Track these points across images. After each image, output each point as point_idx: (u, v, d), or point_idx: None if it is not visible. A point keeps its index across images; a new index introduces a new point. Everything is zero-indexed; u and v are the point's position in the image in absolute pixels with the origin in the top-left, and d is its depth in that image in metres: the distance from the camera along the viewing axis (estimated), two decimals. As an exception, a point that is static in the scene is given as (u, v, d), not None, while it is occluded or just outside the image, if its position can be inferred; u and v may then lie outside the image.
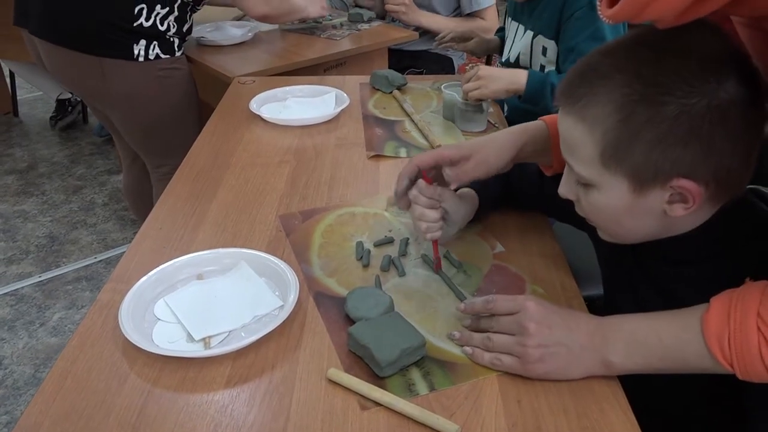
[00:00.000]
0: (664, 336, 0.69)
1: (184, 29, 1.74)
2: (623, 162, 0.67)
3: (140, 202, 2.10)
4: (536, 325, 0.72)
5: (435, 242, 0.92)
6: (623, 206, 0.71)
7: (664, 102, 0.63)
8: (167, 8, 1.65)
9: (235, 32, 2.12)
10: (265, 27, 2.20)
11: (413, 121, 1.45)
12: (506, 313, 0.76)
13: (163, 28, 1.66)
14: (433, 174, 0.92)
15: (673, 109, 0.63)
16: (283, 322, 0.80)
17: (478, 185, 1.00)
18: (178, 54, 1.74)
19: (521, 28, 1.59)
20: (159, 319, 0.83)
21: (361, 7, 2.43)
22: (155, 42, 1.66)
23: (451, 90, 1.46)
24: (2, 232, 2.59)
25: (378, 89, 1.65)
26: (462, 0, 2.35)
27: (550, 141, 0.91)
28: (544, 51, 1.51)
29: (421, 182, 0.90)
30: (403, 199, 0.93)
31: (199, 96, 1.88)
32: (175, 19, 1.69)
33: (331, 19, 2.30)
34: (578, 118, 0.69)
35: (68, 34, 1.61)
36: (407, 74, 2.06)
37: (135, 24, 1.61)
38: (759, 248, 0.72)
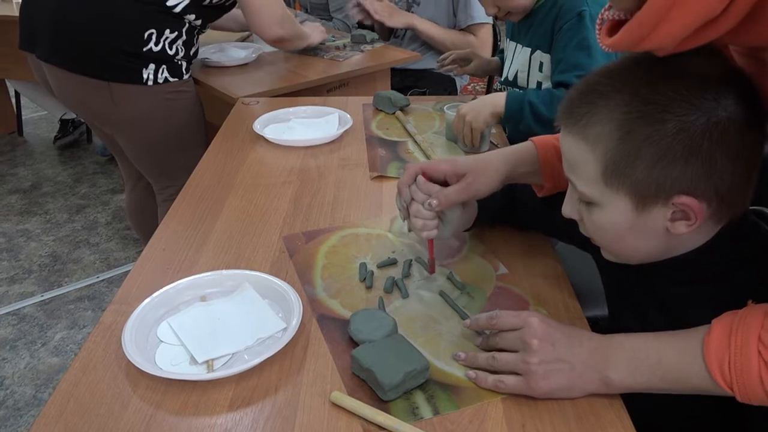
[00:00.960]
0: (664, 356, 0.69)
1: (191, 52, 1.76)
2: (625, 179, 0.68)
3: (144, 221, 2.10)
4: (539, 342, 0.73)
5: (431, 242, 0.93)
6: (626, 224, 0.71)
7: (663, 119, 0.64)
8: (176, 32, 1.66)
9: (239, 53, 2.14)
10: (269, 48, 2.21)
11: (416, 141, 1.46)
12: (510, 329, 0.76)
13: (171, 53, 1.67)
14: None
15: (672, 126, 0.63)
16: (287, 344, 0.80)
17: None
18: (185, 77, 1.75)
19: (519, 46, 1.60)
20: (162, 342, 0.83)
21: (363, 28, 2.45)
22: (164, 66, 1.67)
23: (453, 111, 1.46)
24: (5, 251, 2.59)
25: (381, 110, 1.66)
26: (459, 15, 2.37)
27: (539, 162, 0.92)
28: (541, 66, 1.53)
29: (420, 179, 0.92)
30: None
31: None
32: (183, 43, 1.70)
33: (334, 41, 2.32)
34: (580, 137, 0.70)
35: (77, 60, 1.62)
36: (410, 94, 2.08)
37: (144, 49, 1.61)
38: (762, 268, 0.72)
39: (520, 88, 1.58)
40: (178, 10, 1.63)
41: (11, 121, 3.75)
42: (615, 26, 0.62)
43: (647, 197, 0.68)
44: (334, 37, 2.40)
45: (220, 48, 2.20)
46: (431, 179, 0.93)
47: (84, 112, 1.82)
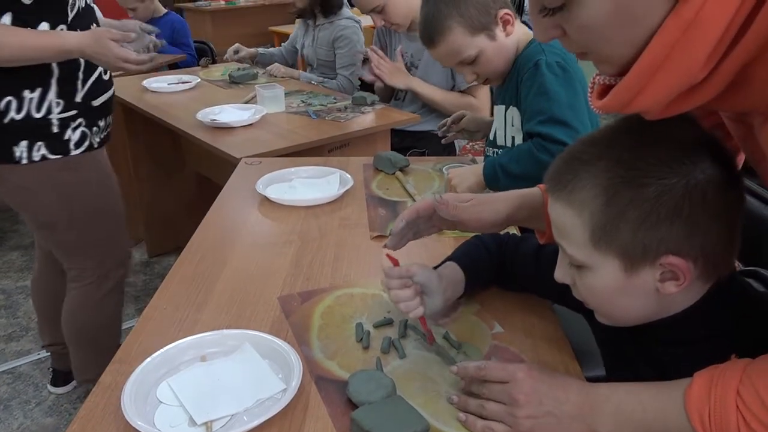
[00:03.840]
0: (649, 409, 0.71)
1: (91, 104, 1.49)
2: (612, 242, 0.70)
3: (49, 301, 1.87)
4: (526, 397, 0.75)
5: (422, 318, 0.93)
6: (617, 286, 0.73)
7: (644, 183, 0.67)
8: (39, 89, 1.39)
9: (242, 114, 2.20)
10: (273, 110, 2.27)
11: (415, 201, 1.48)
12: (498, 381, 0.78)
13: (39, 115, 1.41)
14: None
15: (654, 189, 0.67)
16: (286, 405, 0.80)
17: (467, 261, 1.02)
18: (75, 152, 1.47)
19: (496, 106, 1.65)
20: (161, 402, 0.83)
21: (365, 90, 2.52)
22: (40, 142, 1.43)
23: (452, 171, 1.49)
24: (3, 308, 2.58)
25: (381, 170, 1.69)
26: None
27: (543, 207, 0.95)
28: (513, 121, 1.57)
29: (385, 267, 0.95)
30: (395, 239, 0.99)
31: (206, 175, 1.90)
32: (61, 94, 1.42)
33: (335, 102, 2.39)
34: (566, 204, 0.73)
35: None
36: (409, 155, 2.11)
37: (5, 120, 1.39)
38: (753, 328, 0.74)
39: (500, 146, 1.62)
40: None
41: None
42: (605, 90, 0.65)
43: (635, 258, 0.70)
44: (335, 98, 2.47)
45: (223, 109, 2.26)
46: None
47: None
